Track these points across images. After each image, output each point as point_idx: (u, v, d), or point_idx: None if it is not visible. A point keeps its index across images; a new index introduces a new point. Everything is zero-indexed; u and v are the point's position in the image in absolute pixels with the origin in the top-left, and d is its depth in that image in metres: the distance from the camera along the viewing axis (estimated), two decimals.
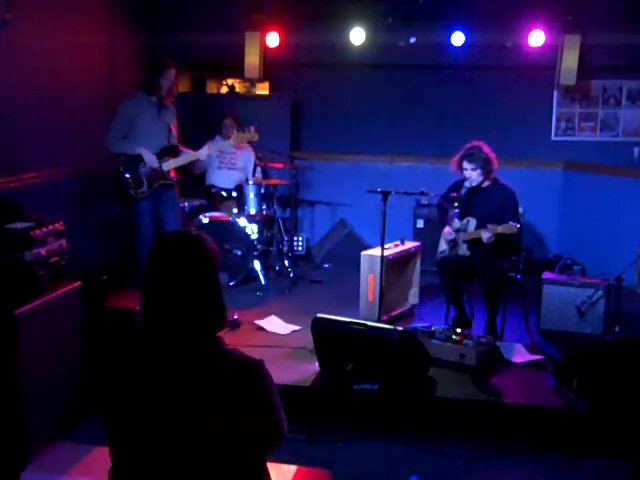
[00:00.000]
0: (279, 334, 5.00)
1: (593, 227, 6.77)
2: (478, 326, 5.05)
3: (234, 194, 6.31)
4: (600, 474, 3.57)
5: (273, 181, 6.49)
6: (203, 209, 6.24)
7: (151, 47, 6.94)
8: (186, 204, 6.16)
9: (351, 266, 6.16)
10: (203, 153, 5.46)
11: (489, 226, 4.67)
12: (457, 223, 4.94)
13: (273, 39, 6.88)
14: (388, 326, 4.34)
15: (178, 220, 5.43)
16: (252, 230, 6.13)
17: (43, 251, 3.62)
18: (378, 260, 5.03)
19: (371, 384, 4.02)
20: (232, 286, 5.97)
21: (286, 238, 6.73)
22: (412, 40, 6.84)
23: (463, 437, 3.81)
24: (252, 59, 6.85)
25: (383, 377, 4.05)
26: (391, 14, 6.70)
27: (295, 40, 6.95)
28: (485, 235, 4.68)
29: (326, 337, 4.23)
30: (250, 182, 6.21)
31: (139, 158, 5.19)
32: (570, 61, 6.52)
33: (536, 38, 6.59)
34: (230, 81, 9.21)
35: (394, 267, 5.36)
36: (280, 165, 6.71)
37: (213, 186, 6.54)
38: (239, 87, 9.19)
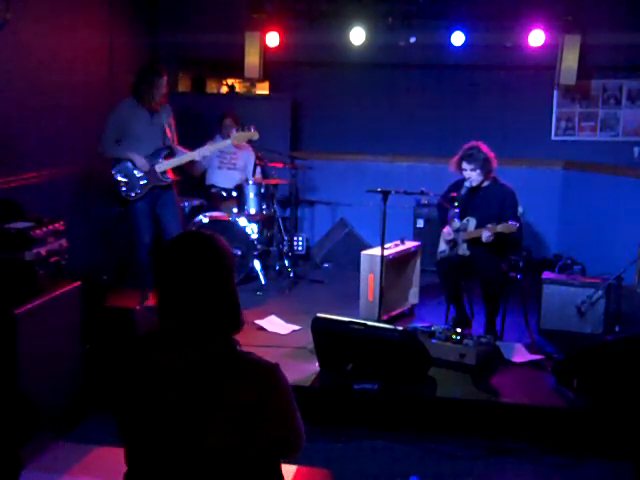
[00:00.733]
0: (279, 334, 5.00)
1: (593, 227, 6.77)
2: (478, 326, 5.06)
3: (234, 194, 6.31)
4: (600, 474, 3.57)
5: (273, 181, 6.49)
6: (203, 209, 6.24)
7: (151, 47, 6.95)
8: (186, 204, 6.16)
9: (351, 266, 6.17)
10: (198, 154, 5.39)
11: (489, 225, 4.67)
12: (457, 223, 4.94)
13: (273, 39, 6.87)
14: (388, 326, 4.34)
15: (178, 220, 5.41)
16: (252, 230, 6.13)
17: (43, 251, 3.62)
18: (378, 260, 5.03)
19: (371, 384, 4.02)
20: None
21: (286, 238, 6.74)
22: (412, 40, 6.84)
23: (463, 437, 3.81)
24: (252, 59, 6.84)
25: (383, 377, 4.05)
26: (391, 14, 6.69)
27: (295, 40, 6.95)
28: (484, 234, 4.68)
29: (326, 337, 4.23)
30: (250, 182, 6.21)
31: (131, 161, 5.18)
32: (570, 61, 6.52)
33: (536, 38, 6.59)
34: (230, 81, 9.22)
35: (394, 267, 5.36)
36: (280, 165, 6.71)
37: (213, 186, 6.54)
38: (239, 87, 9.20)
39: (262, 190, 6.22)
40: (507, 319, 5.04)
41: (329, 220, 7.60)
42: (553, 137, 7.34)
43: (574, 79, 6.55)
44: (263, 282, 6.08)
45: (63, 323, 3.78)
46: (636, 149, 7.17)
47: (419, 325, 4.78)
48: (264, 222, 6.48)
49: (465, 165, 4.89)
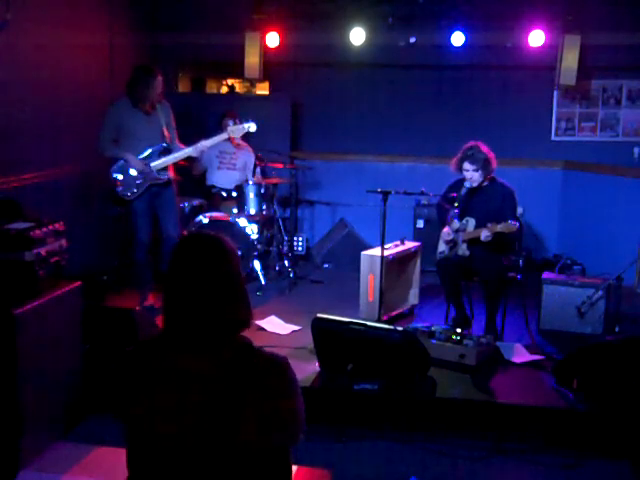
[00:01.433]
0: (279, 334, 5.00)
1: (593, 227, 6.78)
2: (478, 326, 5.06)
3: (234, 194, 6.31)
4: (600, 474, 3.57)
5: (273, 181, 6.49)
6: (203, 209, 6.24)
7: (151, 47, 6.95)
8: (186, 204, 6.15)
9: (351, 266, 6.17)
10: (194, 150, 5.33)
11: (489, 225, 4.67)
12: (456, 223, 4.94)
13: (273, 39, 6.88)
14: (388, 326, 4.34)
15: (177, 220, 5.40)
16: (252, 230, 6.12)
17: (43, 251, 3.62)
18: (378, 260, 5.03)
19: (371, 384, 4.02)
20: None
21: (286, 238, 6.74)
22: (412, 40, 6.84)
23: (463, 437, 3.81)
24: (252, 59, 6.85)
25: (383, 377, 4.05)
26: (391, 14, 6.69)
27: (295, 40, 6.95)
28: (483, 233, 4.68)
29: (326, 337, 4.23)
30: (250, 182, 6.20)
31: (126, 161, 5.18)
32: (570, 61, 6.52)
33: (536, 38, 6.59)
34: (230, 81, 9.23)
35: (394, 267, 5.36)
36: (280, 165, 6.71)
37: (213, 186, 6.54)
38: (239, 87, 9.21)
39: (262, 190, 6.21)
40: (507, 319, 5.05)
41: (329, 220, 7.60)
42: (553, 137, 7.35)
43: (574, 79, 6.55)
44: (263, 282, 6.08)
45: (63, 323, 3.78)
46: (636, 149, 7.18)
47: (419, 325, 4.78)
48: (264, 222, 6.48)
49: (467, 166, 4.88)
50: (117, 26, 6.31)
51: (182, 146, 5.38)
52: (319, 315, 4.29)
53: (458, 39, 6.71)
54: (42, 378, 3.52)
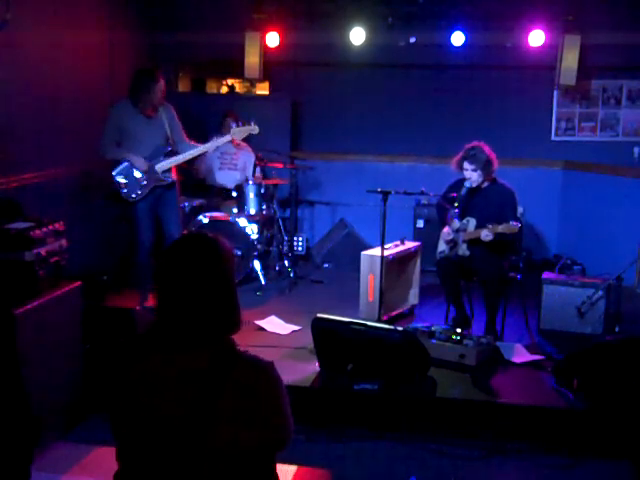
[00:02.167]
0: (279, 334, 5.00)
1: (593, 227, 6.78)
2: (478, 326, 5.06)
3: (234, 194, 6.31)
4: (600, 474, 3.57)
5: (273, 181, 6.49)
6: (203, 209, 6.24)
7: (151, 47, 6.94)
8: (186, 204, 6.15)
9: (351, 266, 6.16)
10: (205, 147, 5.40)
11: (489, 226, 4.67)
12: (457, 223, 4.94)
13: (273, 39, 6.87)
14: (388, 326, 4.34)
15: (178, 221, 5.40)
16: (252, 230, 6.12)
17: (43, 251, 3.62)
18: (378, 260, 5.03)
19: (371, 384, 4.02)
20: None
21: (286, 238, 6.74)
22: (412, 40, 6.84)
23: (463, 437, 3.81)
24: (252, 59, 6.85)
25: (383, 377, 4.05)
26: (391, 14, 6.69)
27: (295, 40, 6.95)
28: (483, 233, 4.68)
29: (326, 337, 4.23)
30: (250, 182, 6.20)
31: (130, 162, 5.17)
32: (570, 61, 6.51)
33: (536, 38, 6.59)
34: (230, 81, 9.23)
35: (394, 267, 5.36)
36: (280, 165, 6.71)
37: (213, 186, 6.54)
38: (239, 87, 9.21)
39: (262, 190, 6.22)
40: (507, 319, 5.05)
41: (329, 220, 7.60)
42: (553, 137, 7.34)
43: (574, 79, 6.55)
44: (263, 282, 6.08)
45: (63, 323, 3.78)
46: (636, 149, 7.17)
47: (419, 325, 4.78)
48: (264, 222, 6.48)
49: (467, 165, 4.88)
50: (117, 26, 6.31)
51: (194, 143, 5.38)
52: (319, 315, 4.29)
53: (458, 39, 6.71)
54: (42, 378, 3.52)
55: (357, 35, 6.79)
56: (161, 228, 5.35)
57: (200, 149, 5.38)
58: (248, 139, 6.44)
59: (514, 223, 4.58)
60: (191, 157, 5.41)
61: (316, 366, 4.32)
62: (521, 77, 7.19)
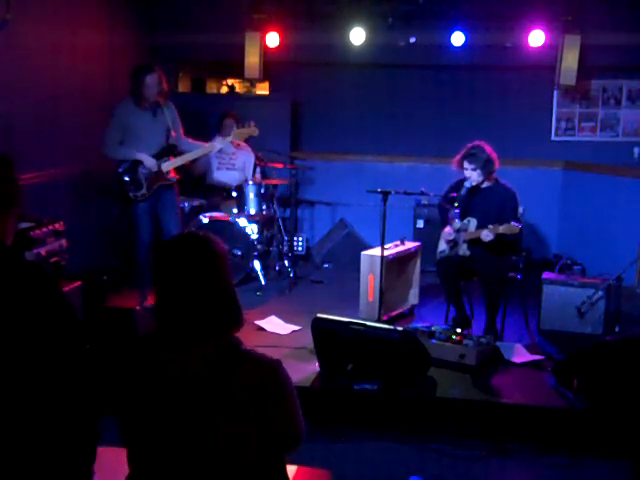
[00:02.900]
0: (279, 334, 5.00)
1: (593, 227, 6.77)
2: (478, 326, 5.05)
3: (234, 194, 6.31)
4: (600, 474, 3.57)
5: (273, 181, 6.49)
6: (203, 209, 6.24)
7: (151, 47, 6.94)
8: (186, 204, 6.15)
9: (351, 266, 6.16)
10: (209, 147, 5.42)
11: (491, 226, 4.67)
12: (457, 223, 4.94)
13: (273, 39, 6.87)
14: (388, 326, 4.34)
15: (178, 221, 5.40)
16: (252, 230, 6.12)
17: (43, 251, 3.62)
18: (378, 260, 5.03)
19: (371, 384, 4.02)
20: None
21: (286, 238, 6.73)
22: (412, 40, 6.83)
23: (463, 437, 3.80)
24: (252, 59, 6.85)
25: (383, 377, 4.05)
26: (391, 14, 6.69)
27: (295, 40, 6.95)
28: (484, 234, 4.68)
29: (326, 337, 4.23)
30: (250, 182, 6.20)
31: (138, 161, 5.17)
32: (570, 61, 6.52)
33: (536, 38, 6.59)
34: (230, 81, 9.23)
35: (394, 267, 5.36)
36: (280, 165, 6.71)
37: (213, 186, 6.54)
38: (239, 87, 9.21)
39: (262, 190, 6.21)
40: (507, 319, 5.05)
41: (329, 220, 7.60)
42: (553, 137, 7.35)
43: (574, 79, 6.55)
44: (263, 282, 6.08)
45: None
46: (636, 149, 7.18)
47: (419, 325, 4.78)
48: (264, 222, 6.48)
49: (466, 164, 4.88)
50: (117, 26, 6.31)
51: (190, 140, 5.38)
52: (319, 315, 4.29)
53: (458, 39, 6.71)
54: None
55: (357, 35, 6.79)
56: (161, 228, 5.35)
57: (204, 149, 5.41)
58: (248, 139, 6.45)
59: (515, 224, 4.58)
60: (195, 157, 5.44)
61: (316, 366, 4.32)
62: (521, 77, 7.19)
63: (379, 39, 6.85)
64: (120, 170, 5.16)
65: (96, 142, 5.21)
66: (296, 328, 5.07)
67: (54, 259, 3.74)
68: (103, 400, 1.84)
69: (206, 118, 6.91)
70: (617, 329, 5.06)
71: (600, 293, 5.00)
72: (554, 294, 5.12)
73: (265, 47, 6.88)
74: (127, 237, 5.68)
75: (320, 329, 4.23)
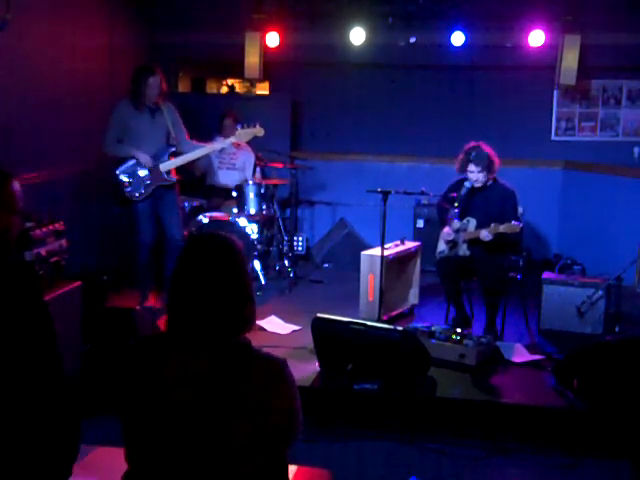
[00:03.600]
0: (279, 334, 5.00)
1: (593, 227, 6.78)
2: (478, 326, 5.06)
3: (234, 194, 6.31)
4: (600, 474, 3.57)
5: (273, 181, 6.49)
6: (203, 209, 6.24)
7: (151, 47, 6.95)
8: (186, 204, 6.15)
9: (351, 266, 6.17)
10: (210, 148, 5.43)
11: (491, 226, 4.67)
12: (457, 223, 4.94)
13: (273, 39, 6.87)
14: (388, 326, 4.34)
15: (179, 221, 5.40)
16: (252, 230, 6.12)
17: (43, 251, 3.62)
18: (378, 260, 5.03)
19: (371, 384, 4.02)
20: None
21: (286, 238, 6.73)
22: (412, 40, 6.84)
23: (463, 437, 3.81)
24: (252, 59, 6.85)
25: (383, 377, 4.05)
26: (391, 14, 6.69)
27: (295, 40, 6.95)
28: (483, 234, 4.68)
29: (326, 337, 4.23)
30: (250, 182, 6.20)
31: (135, 160, 5.17)
32: (570, 61, 6.52)
33: (536, 38, 6.59)
34: (230, 81, 9.23)
35: (394, 267, 5.36)
36: (280, 165, 6.71)
37: (213, 186, 6.53)
38: (239, 87, 9.21)
39: (262, 190, 6.21)
40: (507, 319, 5.05)
41: (329, 220, 7.60)
42: (553, 137, 7.35)
43: (574, 79, 6.55)
44: (263, 282, 6.08)
45: (63, 323, 3.78)
46: (636, 149, 7.18)
47: (419, 325, 4.78)
48: (264, 222, 6.48)
49: (472, 167, 4.87)
50: (117, 26, 6.31)
51: (195, 142, 5.38)
52: (319, 315, 4.29)
53: (458, 39, 6.71)
54: None
55: (357, 35, 6.79)
56: (162, 228, 5.35)
57: (204, 150, 5.41)
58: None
59: (515, 223, 4.58)
60: (195, 157, 5.43)
61: (316, 366, 4.32)
62: (521, 77, 7.19)
63: (379, 39, 6.85)
64: (117, 170, 5.15)
65: (96, 142, 5.21)
66: (296, 328, 5.07)
67: (54, 259, 3.74)
68: (103, 400, 1.84)
69: (206, 118, 6.90)
70: (617, 329, 5.06)
71: (600, 293, 5.01)
72: (554, 294, 5.13)
73: (265, 47, 6.88)
74: (127, 237, 5.68)
75: (320, 329, 4.24)
